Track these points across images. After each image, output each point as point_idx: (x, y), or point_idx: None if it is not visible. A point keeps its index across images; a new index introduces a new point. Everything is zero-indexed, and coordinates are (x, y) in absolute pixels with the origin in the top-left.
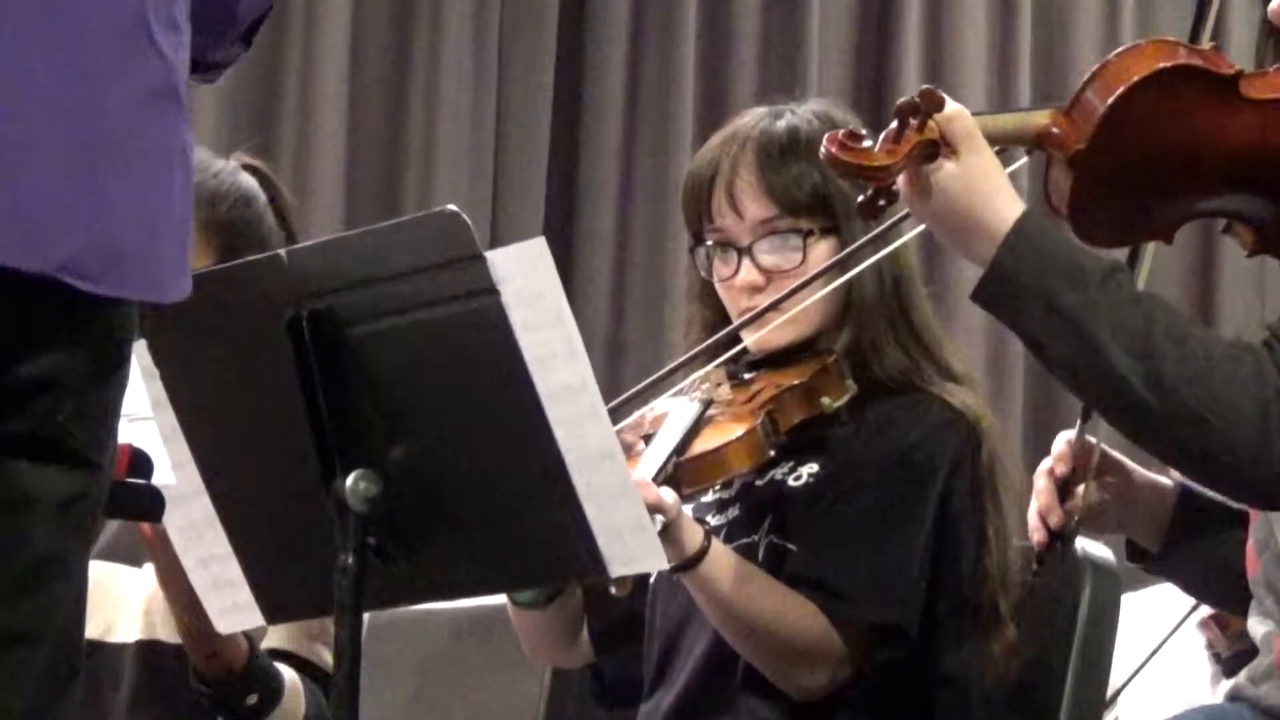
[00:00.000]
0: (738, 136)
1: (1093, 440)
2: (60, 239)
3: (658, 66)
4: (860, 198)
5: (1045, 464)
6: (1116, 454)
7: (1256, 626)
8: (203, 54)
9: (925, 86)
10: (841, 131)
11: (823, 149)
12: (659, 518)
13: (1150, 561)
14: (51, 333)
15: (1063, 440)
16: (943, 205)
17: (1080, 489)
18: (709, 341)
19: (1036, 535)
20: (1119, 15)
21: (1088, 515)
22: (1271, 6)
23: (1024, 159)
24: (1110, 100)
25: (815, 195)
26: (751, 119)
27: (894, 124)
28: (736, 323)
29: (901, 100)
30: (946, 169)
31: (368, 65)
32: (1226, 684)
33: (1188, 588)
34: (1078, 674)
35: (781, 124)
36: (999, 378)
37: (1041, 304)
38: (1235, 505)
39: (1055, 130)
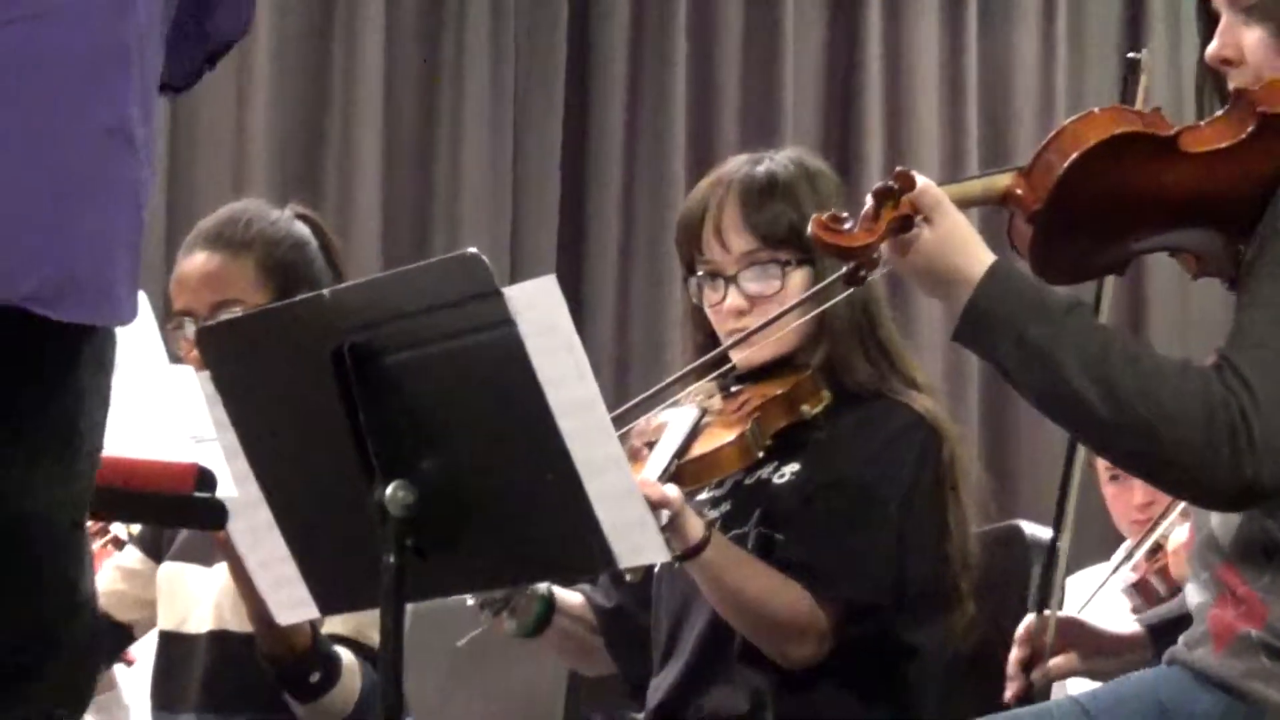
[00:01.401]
0: (723, 180)
1: (1048, 616)
2: (25, 271)
3: (653, 120)
4: (845, 269)
5: (1015, 637)
6: (1082, 620)
7: (1193, 596)
8: (174, 75)
9: (899, 169)
10: (826, 215)
11: (809, 230)
12: (665, 512)
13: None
14: (14, 358)
15: (1023, 625)
16: (923, 264)
17: (1039, 667)
18: (702, 360)
19: (1007, 693)
20: (1054, 68)
21: (1061, 677)
22: (1208, 52)
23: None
24: (1066, 165)
25: (792, 230)
26: (735, 164)
27: (871, 204)
28: (726, 343)
29: (878, 185)
30: (924, 235)
31: (399, 122)
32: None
33: None
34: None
35: (761, 169)
36: (957, 386)
37: (1013, 338)
38: None
39: (1017, 191)
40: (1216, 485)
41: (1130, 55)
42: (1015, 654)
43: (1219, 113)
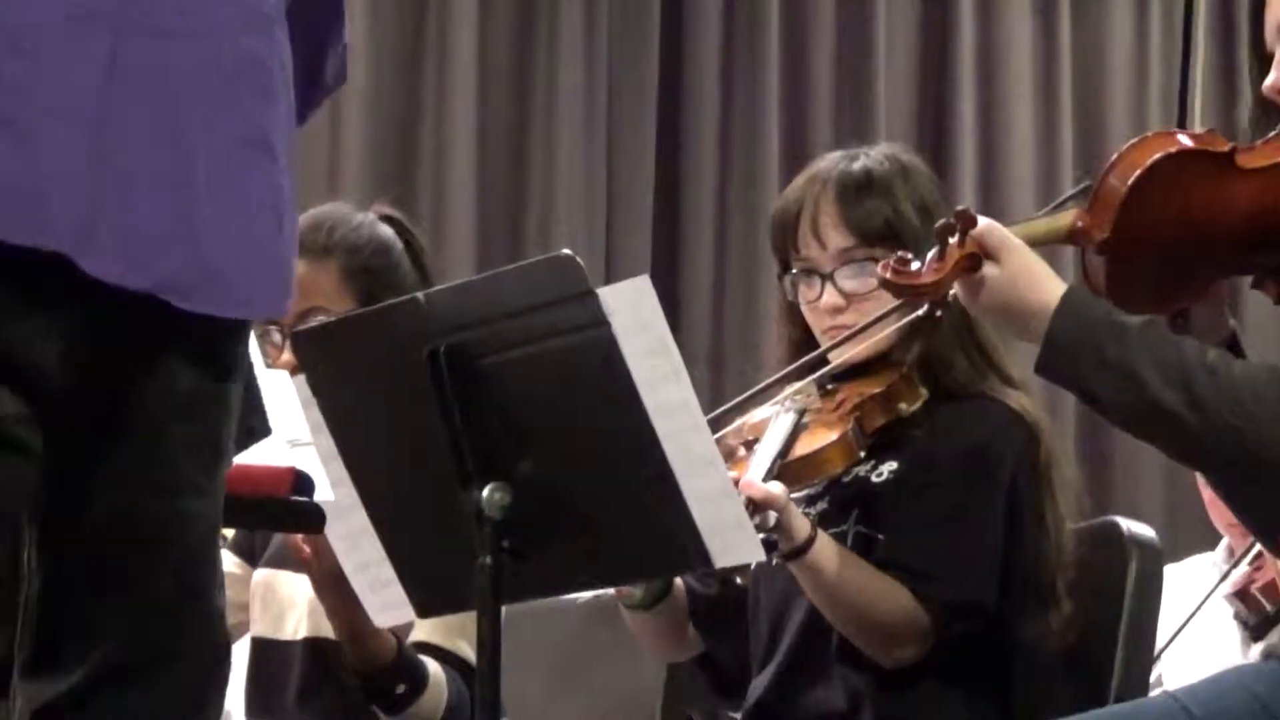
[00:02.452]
0: (819, 177)
1: None
2: (160, 260)
3: (746, 118)
4: (919, 314)
5: None
6: None
7: None
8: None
9: (959, 208)
10: (893, 258)
11: (878, 274)
12: (772, 513)
13: None
14: (163, 364)
15: None
16: (996, 303)
17: None
18: (804, 360)
19: None
20: (1148, 58)
21: None
22: (1266, 84)
23: None
24: (1125, 189)
25: (888, 226)
26: (830, 161)
27: (936, 246)
28: (822, 339)
29: (939, 223)
30: (991, 274)
31: (493, 124)
32: (1255, 647)
33: None
34: (1127, 640)
35: (857, 165)
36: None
37: (1094, 362)
38: None
39: (1081, 224)
40: None
41: None
42: None
43: (1272, 133)
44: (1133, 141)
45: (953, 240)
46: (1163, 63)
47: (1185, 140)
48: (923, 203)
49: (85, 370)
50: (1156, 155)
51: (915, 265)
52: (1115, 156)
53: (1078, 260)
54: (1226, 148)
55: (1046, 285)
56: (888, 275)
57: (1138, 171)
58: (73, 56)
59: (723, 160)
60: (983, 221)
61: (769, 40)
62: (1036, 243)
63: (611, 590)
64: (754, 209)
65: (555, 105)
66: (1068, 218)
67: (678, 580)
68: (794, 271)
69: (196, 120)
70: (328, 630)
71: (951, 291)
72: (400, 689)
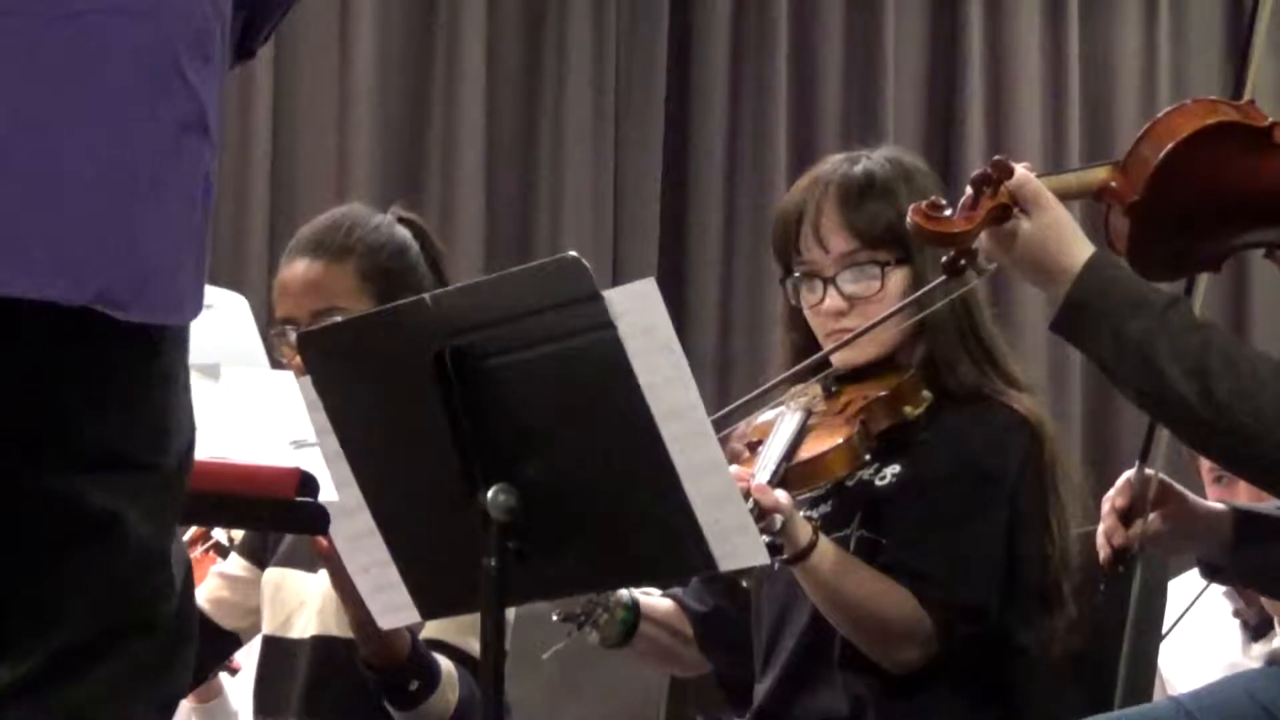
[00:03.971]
0: (820, 180)
1: (1150, 474)
2: (95, 271)
3: (754, 122)
4: (944, 258)
5: (1108, 495)
6: (1175, 485)
7: None
8: (252, 40)
9: (996, 157)
10: (925, 203)
11: (908, 219)
12: (778, 517)
13: (1222, 575)
14: (91, 357)
15: (1124, 477)
16: (1023, 255)
17: (1139, 520)
18: (806, 363)
19: (1102, 553)
20: (1156, 66)
21: (1152, 542)
22: None
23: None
24: (1161, 155)
25: (890, 230)
26: (832, 165)
27: (969, 192)
28: (824, 343)
29: (976, 172)
30: (1023, 226)
31: (501, 125)
32: (1256, 647)
33: (1265, 591)
34: (1131, 645)
35: (859, 168)
36: (1060, 387)
37: (1110, 332)
38: None
39: (1113, 184)
40: None
41: None
42: (1115, 502)
43: None
44: (1173, 107)
45: (987, 190)
46: (1171, 68)
47: (1225, 112)
48: None
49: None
50: (1195, 125)
51: (947, 212)
52: (1154, 121)
53: (1097, 215)
54: (1266, 123)
55: (1074, 245)
56: (918, 220)
57: (1175, 139)
58: None
59: (730, 164)
60: (1019, 172)
61: (777, 47)
62: (1067, 196)
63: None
64: (761, 215)
65: (563, 111)
66: (1101, 173)
67: (664, 603)
68: (796, 275)
69: (139, 110)
70: (336, 629)
71: (976, 245)
72: (414, 685)
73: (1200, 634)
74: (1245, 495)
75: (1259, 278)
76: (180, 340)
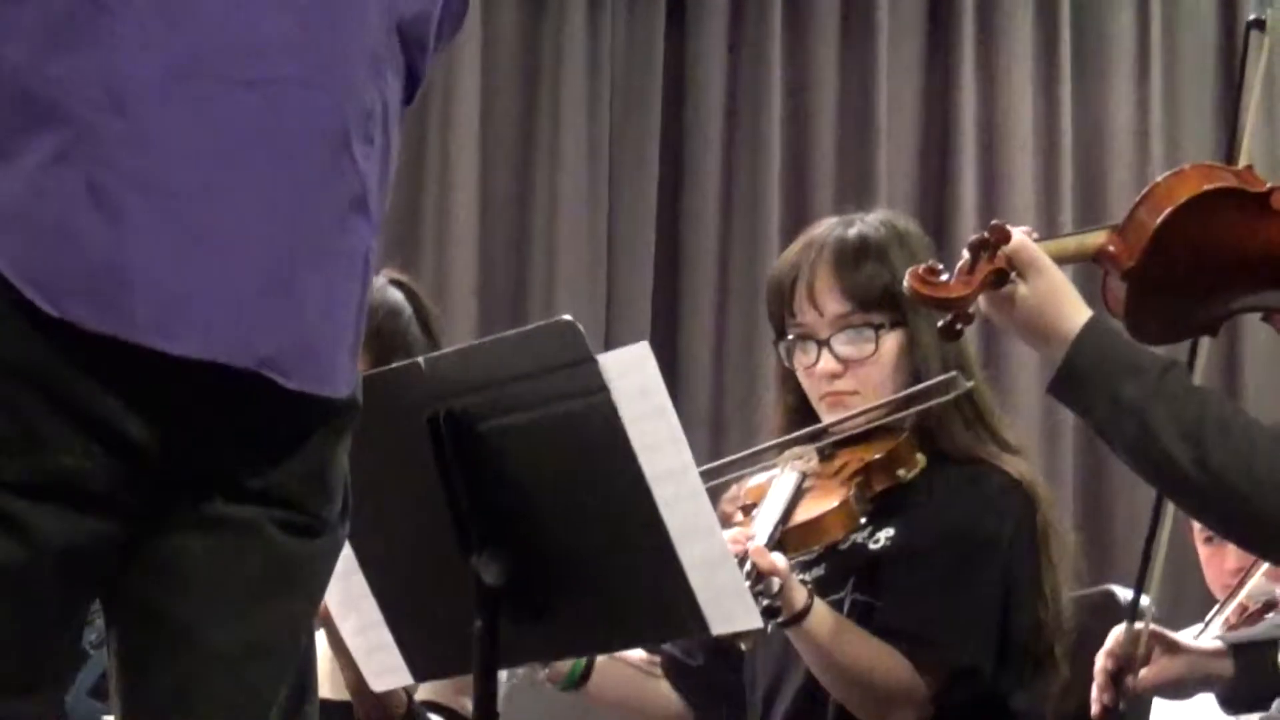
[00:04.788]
0: (815, 242)
1: (1140, 629)
2: (262, 337)
3: (747, 184)
4: (940, 323)
5: (1102, 651)
6: (1169, 634)
7: None
8: (418, 73)
9: (994, 222)
10: (922, 267)
11: (905, 284)
12: (775, 580)
13: (1234, 706)
14: (255, 418)
15: (1114, 635)
16: (1020, 319)
17: (1129, 676)
18: (803, 433)
19: (1095, 708)
20: (1149, 131)
21: (1159, 691)
22: None
23: None
24: (1159, 220)
25: (885, 292)
26: (826, 227)
27: (966, 257)
28: (820, 408)
29: (973, 237)
30: (1020, 291)
31: (495, 190)
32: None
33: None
34: (1125, 709)
35: (853, 231)
36: (1052, 449)
37: (1106, 396)
38: None
39: (1111, 248)
40: None
41: (1254, 17)
42: (1103, 664)
43: None
44: (1171, 172)
45: (984, 254)
46: (1164, 131)
47: (1223, 177)
48: None
49: (168, 437)
50: (1193, 190)
51: (944, 276)
52: (1152, 185)
53: (1093, 277)
54: (1264, 188)
55: (1071, 308)
56: (916, 285)
57: (1173, 205)
58: (173, 116)
59: (724, 226)
60: (1016, 237)
61: (771, 110)
62: (1064, 260)
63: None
64: (755, 277)
65: (557, 173)
66: (1098, 238)
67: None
68: (790, 337)
69: (309, 184)
70: (330, 692)
71: (973, 309)
72: None
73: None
74: (1234, 557)
75: (1252, 339)
76: (344, 410)
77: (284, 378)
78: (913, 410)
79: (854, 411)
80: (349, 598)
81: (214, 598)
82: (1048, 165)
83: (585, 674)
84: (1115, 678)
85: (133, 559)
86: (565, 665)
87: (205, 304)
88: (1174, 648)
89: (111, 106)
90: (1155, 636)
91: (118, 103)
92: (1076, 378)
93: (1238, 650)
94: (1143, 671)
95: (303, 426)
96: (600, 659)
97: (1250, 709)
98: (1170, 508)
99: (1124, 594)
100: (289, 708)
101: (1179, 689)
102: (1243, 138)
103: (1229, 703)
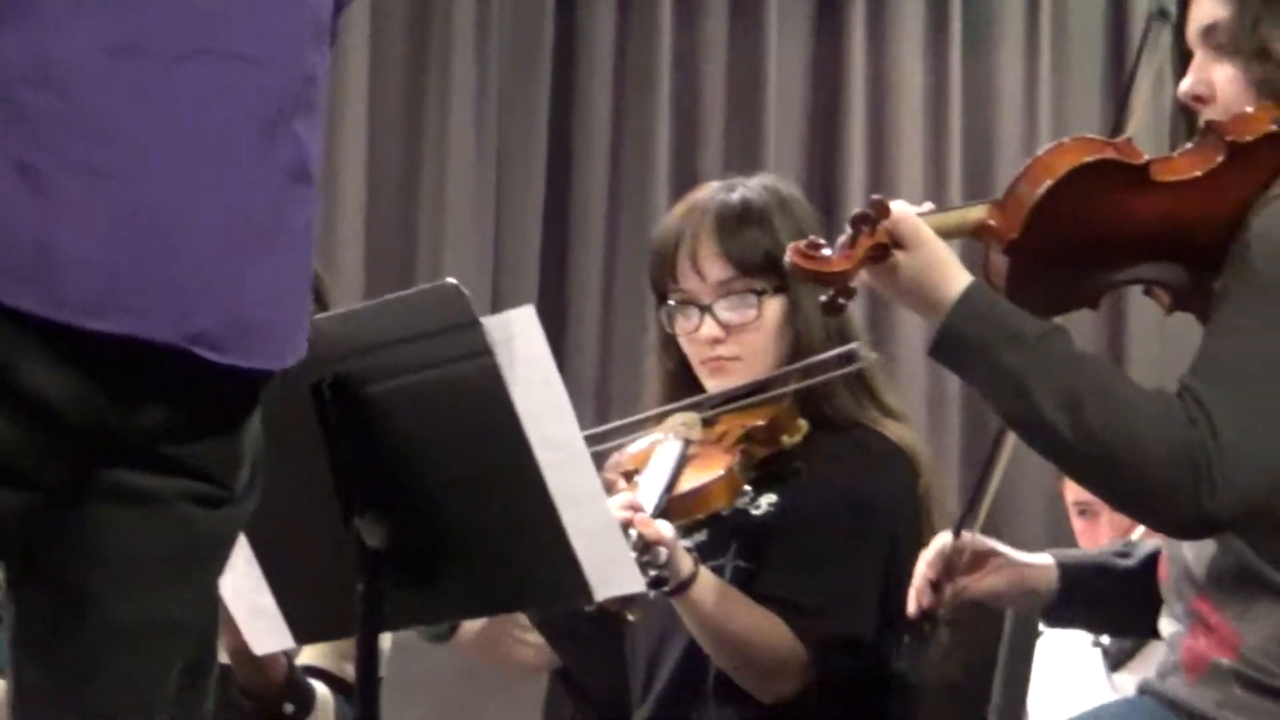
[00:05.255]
0: (697, 208)
1: (966, 539)
2: (197, 314)
3: (636, 151)
4: (823, 298)
5: (922, 558)
6: (997, 545)
7: (1166, 627)
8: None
9: (874, 196)
10: (804, 242)
11: (786, 258)
12: (662, 550)
13: (1053, 619)
14: (180, 390)
15: (936, 545)
16: (903, 289)
17: (948, 585)
18: (690, 401)
19: (910, 608)
20: (1037, 101)
21: (966, 606)
22: (1181, 89)
23: None
24: (1038, 193)
25: (767, 258)
26: (708, 192)
27: (848, 231)
28: (702, 374)
29: (855, 212)
30: (902, 261)
31: (383, 151)
32: (1117, 676)
33: (1092, 630)
34: (1005, 672)
35: (735, 196)
36: (938, 414)
37: (986, 363)
38: (1114, 566)
39: (991, 222)
40: (1176, 517)
41: (1159, 8)
42: (925, 572)
43: (1189, 145)
44: (1050, 145)
45: (865, 229)
46: (1051, 105)
47: (1102, 149)
48: (801, 233)
49: (92, 409)
50: (1072, 163)
51: (826, 251)
52: (1032, 159)
53: (977, 253)
54: (1142, 160)
55: (951, 276)
56: (797, 259)
57: (1052, 178)
58: (109, 95)
59: (612, 194)
60: (895, 211)
61: (660, 75)
62: (946, 235)
63: None
64: (642, 245)
65: (445, 138)
66: (978, 214)
67: None
68: (672, 303)
69: (250, 156)
70: None
71: (854, 283)
72: (288, 709)
73: (1062, 665)
74: (1107, 528)
75: (1137, 313)
76: (252, 395)
77: (217, 353)
78: (815, 381)
79: (751, 381)
80: (229, 560)
81: (128, 571)
82: (937, 133)
83: (450, 632)
84: (935, 584)
85: (49, 529)
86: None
87: (136, 283)
88: (998, 558)
89: (45, 86)
90: (979, 546)
91: (51, 82)
92: (955, 344)
93: (1065, 569)
94: (964, 580)
95: (230, 400)
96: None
97: (1069, 625)
98: (1009, 450)
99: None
100: (187, 679)
101: (999, 599)
102: (1135, 110)
103: (1047, 616)
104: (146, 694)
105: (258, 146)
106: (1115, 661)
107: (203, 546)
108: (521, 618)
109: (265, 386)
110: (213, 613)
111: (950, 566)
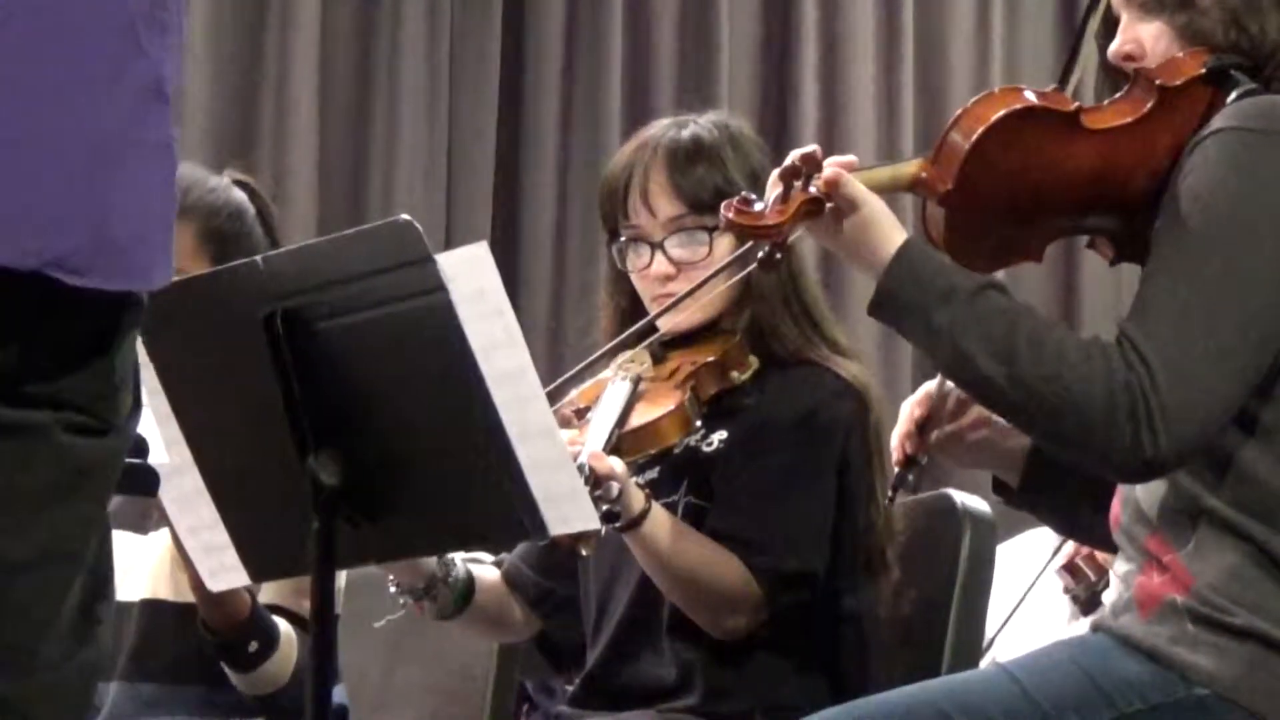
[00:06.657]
0: (648, 144)
1: (950, 387)
2: (56, 237)
3: (588, 90)
4: (760, 254)
5: (908, 402)
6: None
7: (1119, 565)
8: None
9: (803, 150)
10: (736, 198)
11: (720, 214)
12: (614, 485)
13: (1012, 497)
14: (42, 319)
15: (925, 388)
16: (841, 246)
17: (935, 430)
18: (636, 327)
19: (895, 456)
20: (989, 42)
21: (945, 450)
22: (1110, 50)
23: None
24: (969, 144)
25: (718, 194)
26: (659, 129)
27: (780, 188)
28: (650, 307)
29: (783, 165)
30: (838, 219)
31: (334, 86)
32: (1082, 621)
33: (1051, 523)
34: (959, 612)
35: (686, 133)
36: (890, 352)
37: (920, 321)
38: None
39: (924, 176)
40: (1119, 462)
41: None
42: (914, 412)
43: (1119, 94)
44: (979, 96)
45: (798, 183)
46: (1004, 46)
47: (1031, 97)
48: (752, 171)
49: None
50: (1001, 111)
51: (759, 206)
52: (961, 110)
53: (917, 208)
54: (1071, 107)
55: (885, 233)
56: (731, 215)
57: (982, 127)
58: None
59: (564, 131)
60: (829, 168)
61: (612, 11)
62: (880, 190)
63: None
64: (594, 183)
65: (397, 75)
66: (912, 168)
67: (492, 573)
68: (622, 239)
69: (103, 76)
70: (164, 592)
71: (793, 235)
72: (253, 646)
73: (1031, 610)
74: None
75: (1088, 266)
76: (136, 324)
77: (77, 276)
78: (737, 279)
79: (680, 296)
80: (183, 496)
81: (6, 506)
82: (888, 73)
83: (466, 600)
84: (921, 426)
85: None
86: (446, 600)
87: None
88: (980, 414)
89: None
90: (961, 398)
91: None
92: (891, 304)
93: (1034, 454)
94: (948, 426)
95: (97, 325)
96: (475, 598)
97: (1033, 508)
98: None
99: (960, 498)
100: (82, 607)
101: (969, 454)
102: (1081, 61)
103: (998, 490)
104: (39, 625)
105: (109, 65)
106: (1085, 608)
107: (82, 475)
108: (508, 597)
109: (134, 311)
110: (104, 541)
111: (936, 410)
